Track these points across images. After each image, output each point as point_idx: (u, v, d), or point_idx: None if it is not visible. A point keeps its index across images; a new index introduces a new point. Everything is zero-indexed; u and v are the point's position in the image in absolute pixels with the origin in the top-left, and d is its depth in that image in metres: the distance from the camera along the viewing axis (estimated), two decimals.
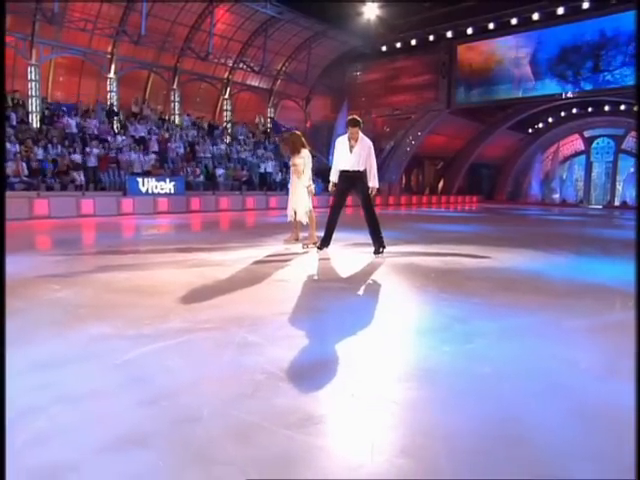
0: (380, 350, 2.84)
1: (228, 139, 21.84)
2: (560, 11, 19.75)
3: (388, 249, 6.50)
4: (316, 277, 5.10)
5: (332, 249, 6.81)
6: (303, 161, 7.16)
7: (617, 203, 30.99)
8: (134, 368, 2.39)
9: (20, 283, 4.26)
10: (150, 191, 15.52)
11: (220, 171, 18.59)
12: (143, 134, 17.37)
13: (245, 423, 1.89)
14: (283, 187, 20.56)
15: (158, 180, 15.80)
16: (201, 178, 17.94)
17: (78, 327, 3.07)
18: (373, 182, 6.45)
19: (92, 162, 15.21)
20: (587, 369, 2.66)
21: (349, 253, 6.71)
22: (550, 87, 21.35)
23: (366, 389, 2.27)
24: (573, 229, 12.82)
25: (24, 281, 4.39)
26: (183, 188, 16.51)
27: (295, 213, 7.26)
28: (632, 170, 30.73)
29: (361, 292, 4.48)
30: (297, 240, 7.54)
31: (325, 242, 6.70)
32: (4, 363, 1.76)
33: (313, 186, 7.38)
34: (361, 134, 6.42)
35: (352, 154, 6.33)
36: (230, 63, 22.64)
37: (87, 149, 15.30)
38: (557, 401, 2.25)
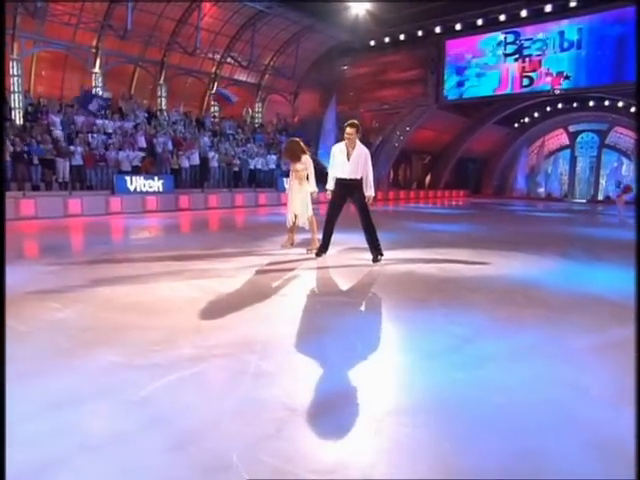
0: (394, 378, 2.85)
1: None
2: (548, 9, 19.87)
3: (385, 255, 6.51)
4: (317, 291, 5.09)
5: (330, 255, 6.81)
6: (304, 167, 7.12)
7: (600, 197, 31.49)
8: (152, 406, 2.37)
9: (17, 300, 4.16)
10: (138, 189, 15.31)
11: (212, 154, 18.33)
12: (130, 129, 17.07)
13: (275, 469, 1.89)
14: (272, 184, 20.48)
15: (146, 178, 15.59)
16: (196, 161, 17.59)
17: (86, 356, 3.02)
18: (370, 191, 6.48)
19: (77, 160, 14.93)
20: (599, 397, 2.70)
21: (347, 259, 6.70)
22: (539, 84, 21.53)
23: (385, 424, 2.28)
24: (562, 228, 12.99)
25: (21, 298, 4.29)
26: (172, 186, 16.32)
27: (296, 217, 7.22)
28: (615, 165, 31.25)
29: (364, 308, 4.49)
30: (292, 245, 7.53)
31: (323, 249, 6.73)
32: (4, 365, 1.75)
33: (317, 191, 7.33)
34: (358, 142, 6.41)
35: (350, 162, 6.32)
36: (217, 57, 22.33)
37: (72, 147, 15.00)
38: (574, 434, 2.29)
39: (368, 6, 21.73)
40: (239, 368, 2.90)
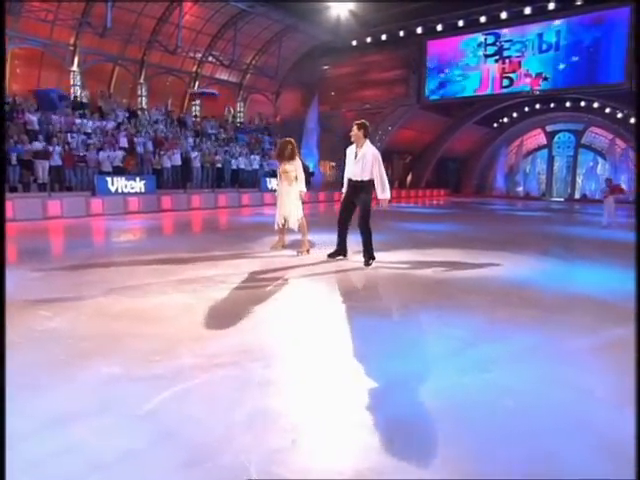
0: (402, 384, 2.82)
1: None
2: (527, 11, 20.20)
3: (376, 257, 6.50)
4: (313, 294, 5.04)
5: (323, 257, 6.78)
6: (294, 167, 7.06)
7: (577, 196, 32.20)
8: (159, 420, 2.29)
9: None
10: (120, 190, 15.01)
11: (194, 154, 18.11)
12: (110, 129, 16.73)
13: None
14: (255, 184, 20.32)
15: (128, 179, 15.29)
16: (178, 161, 17.32)
17: (84, 367, 2.92)
18: (382, 194, 6.30)
19: (56, 161, 14.55)
20: (603, 398, 2.73)
21: (340, 262, 6.65)
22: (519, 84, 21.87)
23: (400, 432, 2.26)
24: (544, 227, 13.21)
25: (8, 306, 4.13)
26: (154, 187, 16.05)
27: (285, 220, 7.16)
28: (591, 164, 31.98)
29: (363, 311, 4.46)
30: (284, 247, 7.47)
31: (337, 252, 6.67)
32: (4, 367, 1.69)
33: (305, 191, 7.28)
34: (367, 142, 6.34)
35: (355, 163, 6.29)
36: (199, 56, 22.06)
37: (50, 147, 14.61)
38: (583, 437, 2.31)
39: (350, 6, 21.74)
40: (244, 377, 2.85)
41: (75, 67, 18.52)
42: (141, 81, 20.61)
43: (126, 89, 20.86)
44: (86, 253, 7.44)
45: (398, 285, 5.44)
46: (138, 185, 15.54)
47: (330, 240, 7.90)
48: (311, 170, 24.85)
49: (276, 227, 7.33)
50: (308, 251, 7.09)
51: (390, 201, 6.67)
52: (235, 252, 7.35)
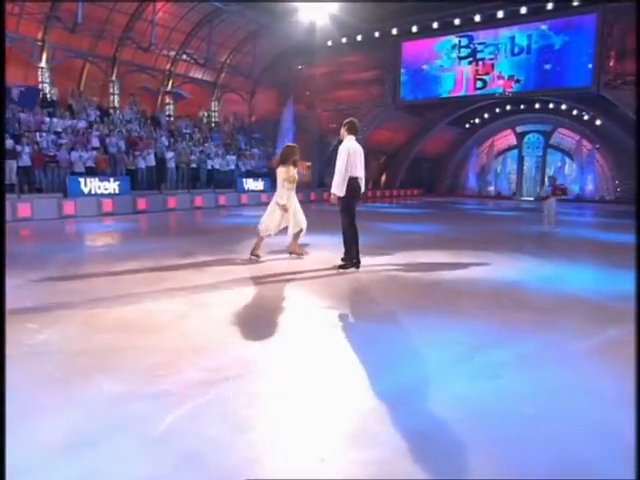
0: (417, 392, 2.79)
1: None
2: (500, 15, 20.59)
3: (365, 256, 6.48)
4: (307, 300, 4.95)
5: (309, 259, 6.71)
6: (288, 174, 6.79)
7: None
8: (177, 442, 2.19)
9: None
10: (93, 191, 14.54)
11: (170, 154, 17.72)
12: (82, 128, 16.18)
13: None
14: (231, 185, 20.03)
15: (101, 180, 14.83)
16: (152, 161, 16.89)
17: (85, 385, 2.78)
18: (332, 188, 6.15)
19: (25, 161, 13.97)
20: (614, 401, 2.76)
21: (328, 264, 6.57)
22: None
23: (425, 443, 2.22)
24: (521, 227, 13.47)
25: None
26: (128, 188, 15.62)
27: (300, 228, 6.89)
28: (559, 164, 32.89)
29: (362, 317, 4.41)
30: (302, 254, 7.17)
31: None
32: (4, 368, 1.64)
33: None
34: (347, 139, 6.24)
35: None
36: (172, 54, 21.60)
37: (18, 147, 14.02)
38: (606, 440, 2.33)
39: (326, 6, 21.67)
40: (255, 391, 2.76)
41: (43, 63, 17.84)
42: (113, 79, 20.03)
43: (97, 87, 20.23)
44: (65, 259, 7.14)
45: (392, 289, 5.42)
46: (112, 186, 15.10)
47: (318, 242, 7.87)
48: None
49: (271, 234, 6.87)
50: (301, 255, 7.05)
51: (363, 199, 6.55)
52: (221, 256, 7.20)
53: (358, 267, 6.24)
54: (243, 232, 11.69)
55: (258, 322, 4.14)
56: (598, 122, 27.10)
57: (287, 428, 2.35)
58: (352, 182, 6.14)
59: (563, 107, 27.54)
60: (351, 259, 6.27)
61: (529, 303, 4.92)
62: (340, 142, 6.40)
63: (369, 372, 3.06)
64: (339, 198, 6.20)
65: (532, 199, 31.58)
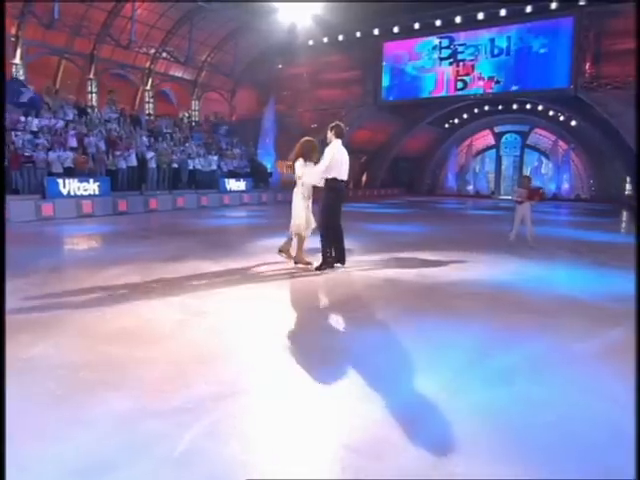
0: (431, 401, 2.75)
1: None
2: (480, 16, 20.86)
3: (356, 259, 6.49)
4: (307, 305, 4.89)
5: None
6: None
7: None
8: (200, 462, 2.09)
9: None
10: (72, 193, 14.13)
11: (150, 154, 17.37)
12: (59, 128, 15.71)
13: None
14: (213, 185, 19.74)
15: (81, 181, 14.43)
16: (133, 162, 16.53)
17: (90, 403, 2.65)
18: (305, 176, 6.28)
19: None
20: (627, 405, 2.78)
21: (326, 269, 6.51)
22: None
23: (453, 455, 2.18)
24: (505, 227, 13.60)
25: None
26: (109, 189, 15.25)
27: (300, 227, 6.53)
28: (536, 164, 33.52)
29: (365, 322, 4.36)
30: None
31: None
32: (4, 367, 1.63)
33: None
34: (334, 142, 6.31)
35: None
36: (152, 52, 21.20)
37: None
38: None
39: (307, 6, 21.59)
40: (272, 405, 2.68)
41: (18, 60, 17.28)
42: (91, 76, 19.54)
43: (73, 85, 19.71)
44: (49, 265, 6.90)
45: (390, 293, 5.39)
46: (92, 187, 14.70)
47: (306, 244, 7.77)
48: (269, 170, 24.56)
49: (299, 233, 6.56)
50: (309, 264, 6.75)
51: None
52: (210, 259, 7.05)
53: (340, 264, 6.39)
54: (230, 234, 11.61)
55: (258, 330, 4.05)
56: (573, 123, 27.76)
57: (310, 445, 2.28)
58: (338, 184, 6.27)
59: (540, 108, 28.07)
60: (326, 258, 6.30)
61: (526, 305, 4.95)
62: (326, 145, 6.38)
63: (382, 381, 3.01)
64: (328, 199, 6.27)
65: (510, 198, 32.18)
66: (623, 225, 16.77)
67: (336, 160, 6.17)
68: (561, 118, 28.39)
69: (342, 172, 6.27)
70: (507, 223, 15.17)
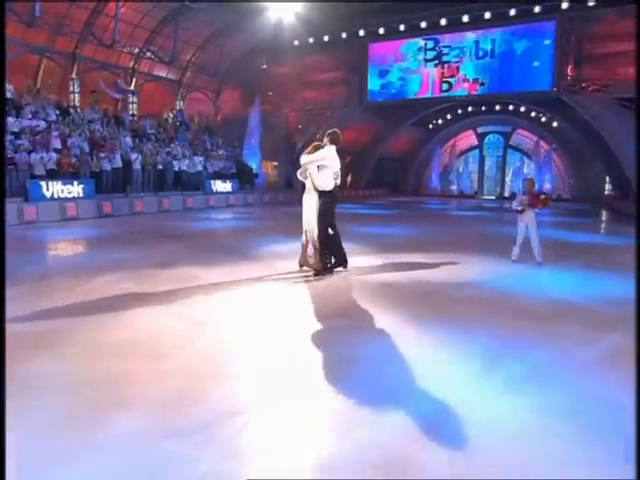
0: (452, 411, 2.74)
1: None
2: (465, 19, 21.05)
3: (351, 262, 6.58)
4: (309, 313, 4.84)
5: (294, 267, 6.61)
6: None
7: (507, 194, 34.12)
8: None
9: None
10: (56, 195, 13.82)
11: (134, 155, 17.10)
12: (40, 129, 15.35)
13: None
14: (199, 187, 19.54)
15: (64, 183, 14.13)
16: (118, 163, 16.26)
17: (101, 424, 2.57)
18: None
19: None
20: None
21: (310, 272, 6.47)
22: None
23: (487, 466, 2.18)
24: (491, 228, 13.78)
25: None
26: (93, 191, 14.96)
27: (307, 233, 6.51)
28: (518, 164, 34.03)
29: (369, 332, 4.33)
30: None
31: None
32: (4, 367, 1.56)
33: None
34: (328, 147, 6.41)
35: None
36: (136, 51, 20.85)
37: None
38: None
39: (293, 6, 21.51)
40: (291, 421, 2.64)
41: None
42: (73, 76, 19.13)
43: (55, 85, 19.27)
44: (36, 272, 6.69)
45: (387, 299, 5.36)
46: (76, 189, 14.40)
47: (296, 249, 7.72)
48: (255, 171, 24.40)
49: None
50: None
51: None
52: (203, 264, 6.95)
53: (343, 268, 6.51)
54: (217, 237, 11.48)
55: (262, 340, 4.00)
56: (555, 124, 28.25)
57: (331, 461, 2.25)
58: (333, 189, 6.44)
59: (522, 109, 28.49)
60: (325, 264, 6.32)
61: (524, 310, 4.99)
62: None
63: (393, 394, 3.00)
64: (324, 204, 6.32)
65: (493, 198, 32.60)
66: (603, 225, 17.12)
67: (328, 164, 6.32)
68: (543, 119, 28.87)
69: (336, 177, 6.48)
70: (492, 224, 15.44)
